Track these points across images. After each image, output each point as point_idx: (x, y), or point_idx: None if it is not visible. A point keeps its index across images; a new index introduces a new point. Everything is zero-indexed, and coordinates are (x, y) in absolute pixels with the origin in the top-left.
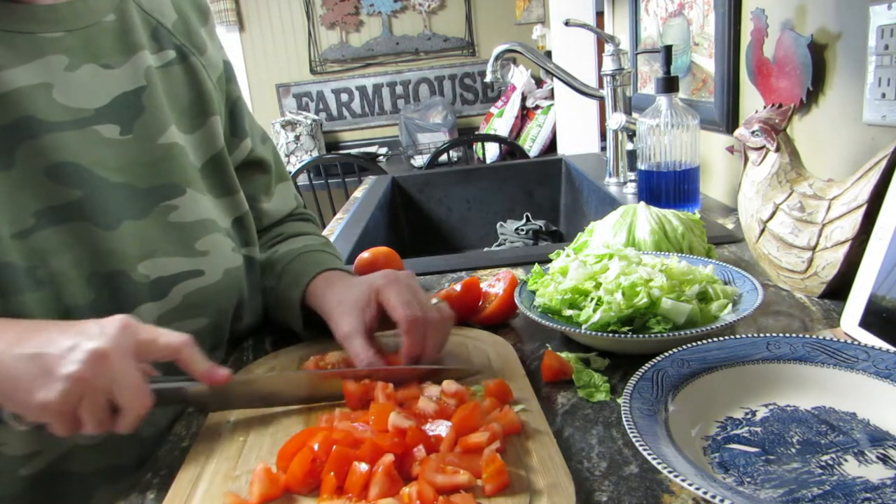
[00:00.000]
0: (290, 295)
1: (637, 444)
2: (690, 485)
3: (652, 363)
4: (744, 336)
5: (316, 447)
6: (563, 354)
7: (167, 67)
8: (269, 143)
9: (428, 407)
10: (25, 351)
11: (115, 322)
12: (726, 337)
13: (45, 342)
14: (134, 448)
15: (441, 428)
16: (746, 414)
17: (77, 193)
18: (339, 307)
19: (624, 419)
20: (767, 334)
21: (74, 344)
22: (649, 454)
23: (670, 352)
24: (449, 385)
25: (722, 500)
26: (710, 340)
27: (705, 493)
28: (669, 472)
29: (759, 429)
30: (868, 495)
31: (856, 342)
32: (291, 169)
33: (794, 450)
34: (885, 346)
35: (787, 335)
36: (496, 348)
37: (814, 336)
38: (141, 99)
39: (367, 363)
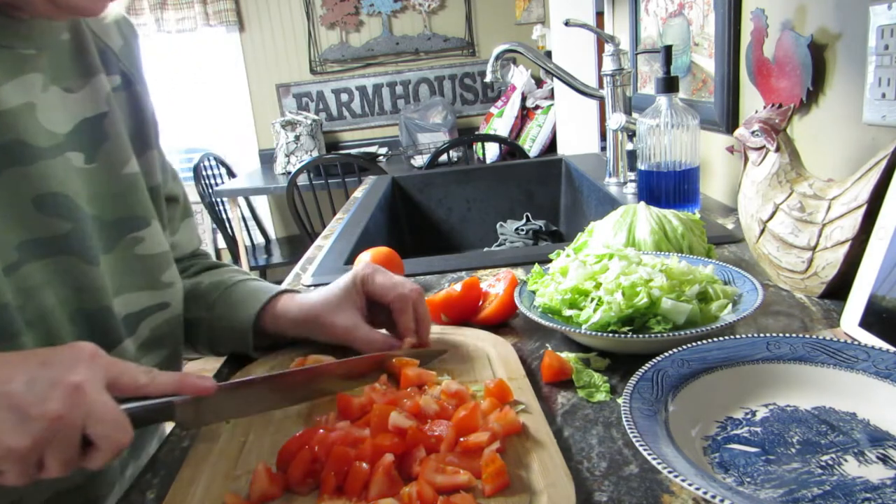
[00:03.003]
0: (237, 319)
1: (637, 444)
2: (690, 485)
3: (652, 363)
4: (744, 336)
5: (316, 447)
6: (563, 354)
7: (115, 93)
8: (178, 181)
9: (428, 407)
10: None
11: (83, 351)
12: (726, 337)
13: (6, 378)
14: (114, 487)
15: (441, 428)
16: (746, 414)
17: (66, 226)
18: (327, 306)
19: (624, 419)
20: (767, 334)
21: (45, 378)
22: (649, 454)
23: (670, 352)
24: (449, 385)
25: (722, 501)
26: (710, 340)
27: (705, 493)
28: (669, 472)
29: (759, 429)
30: (868, 495)
31: (856, 342)
32: (291, 169)
33: (794, 450)
34: (885, 346)
35: (787, 335)
36: (496, 348)
37: (814, 336)
38: (103, 125)
39: (387, 345)
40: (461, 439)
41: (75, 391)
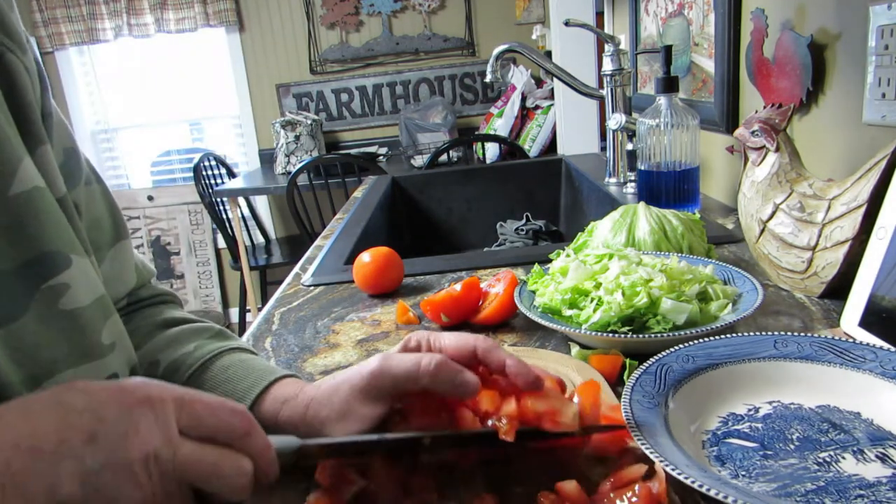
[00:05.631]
0: None
1: (631, 432)
2: (681, 474)
3: (656, 358)
4: (751, 334)
5: None
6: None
7: None
8: (94, 187)
9: None
10: None
11: (131, 398)
12: (734, 334)
13: (51, 485)
14: None
15: None
16: (749, 410)
17: None
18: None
19: (623, 408)
20: (775, 332)
21: (101, 466)
22: (639, 439)
23: (676, 347)
24: (569, 488)
25: (709, 489)
26: (717, 337)
27: (694, 482)
28: (658, 458)
29: (760, 425)
30: (862, 492)
31: (863, 342)
32: (291, 169)
33: (792, 446)
34: (892, 346)
35: (795, 334)
36: (583, 375)
37: (821, 335)
38: None
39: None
40: None
41: (149, 466)
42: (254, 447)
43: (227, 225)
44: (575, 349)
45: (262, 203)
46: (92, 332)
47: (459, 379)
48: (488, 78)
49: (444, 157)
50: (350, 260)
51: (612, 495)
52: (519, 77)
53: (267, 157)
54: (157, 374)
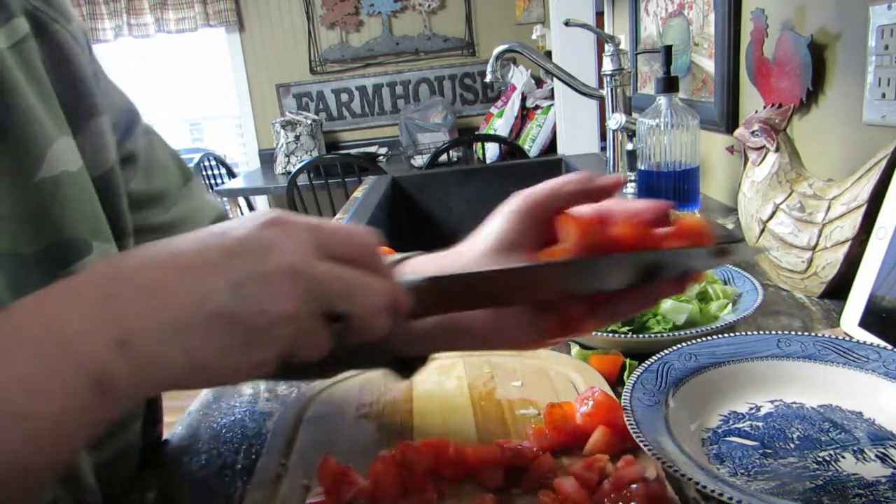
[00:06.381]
0: None
1: (630, 428)
2: (677, 471)
3: (659, 356)
4: (754, 333)
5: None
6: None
7: (17, 48)
8: (154, 136)
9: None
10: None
11: (264, 219)
12: (737, 333)
13: (202, 296)
14: None
15: None
16: (751, 409)
17: None
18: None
19: (623, 403)
20: (778, 332)
21: (247, 276)
22: (636, 433)
23: (678, 346)
24: (569, 488)
25: (705, 487)
26: (719, 336)
27: (690, 478)
28: (654, 453)
29: (761, 423)
30: (860, 492)
31: (866, 342)
32: (291, 169)
33: (793, 445)
34: (891, 346)
35: (799, 333)
36: (581, 375)
37: (825, 335)
38: None
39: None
40: None
41: (293, 275)
42: (385, 269)
43: None
44: (575, 349)
45: (262, 203)
46: None
47: (598, 179)
48: (488, 78)
49: (444, 157)
50: None
51: (612, 495)
52: (519, 77)
53: (267, 157)
54: None
